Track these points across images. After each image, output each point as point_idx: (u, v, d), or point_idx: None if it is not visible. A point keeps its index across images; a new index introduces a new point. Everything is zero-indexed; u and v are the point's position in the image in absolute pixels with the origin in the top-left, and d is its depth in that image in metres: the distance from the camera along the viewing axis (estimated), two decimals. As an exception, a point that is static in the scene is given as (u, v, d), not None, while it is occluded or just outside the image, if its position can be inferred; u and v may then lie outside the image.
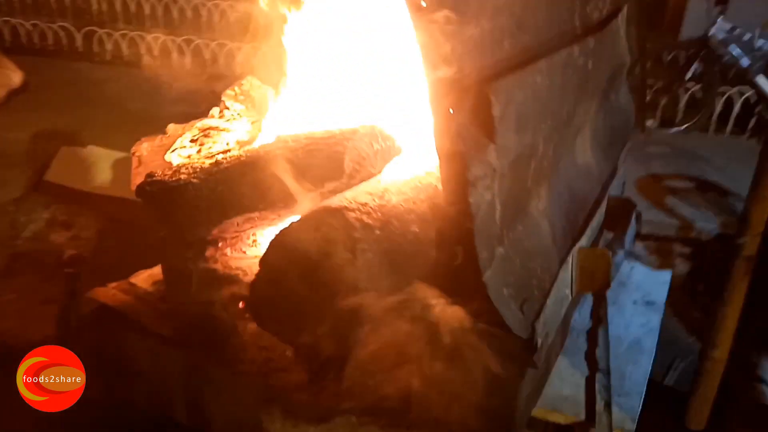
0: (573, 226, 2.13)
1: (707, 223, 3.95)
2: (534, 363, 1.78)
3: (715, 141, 5.06)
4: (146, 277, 2.39)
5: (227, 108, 2.60)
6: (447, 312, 1.69)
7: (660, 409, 2.50)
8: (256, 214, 1.94)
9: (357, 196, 1.71)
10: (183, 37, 6.02)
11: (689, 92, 5.04)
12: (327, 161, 1.89)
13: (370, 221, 1.63)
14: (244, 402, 1.97)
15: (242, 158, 1.99)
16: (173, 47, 6.04)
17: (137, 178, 2.57)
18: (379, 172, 1.97)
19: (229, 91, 2.58)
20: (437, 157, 1.62)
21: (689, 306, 3.24)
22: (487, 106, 1.61)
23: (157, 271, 2.37)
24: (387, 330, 1.64)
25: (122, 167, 3.89)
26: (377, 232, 1.64)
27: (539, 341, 1.80)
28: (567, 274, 2.01)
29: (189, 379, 2.10)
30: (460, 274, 1.70)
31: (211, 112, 2.58)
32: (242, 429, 1.98)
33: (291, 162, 1.89)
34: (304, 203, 1.85)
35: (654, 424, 2.33)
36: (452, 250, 1.66)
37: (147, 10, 6.68)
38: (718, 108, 5.04)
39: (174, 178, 2.07)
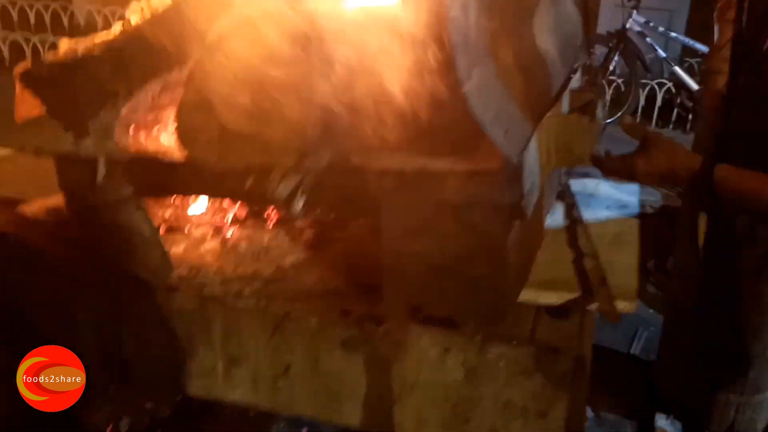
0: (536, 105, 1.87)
1: (650, 197, 3.91)
2: (522, 214, 1.49)
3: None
4: (38, 206, 1.98)
5: (133, 26, 2.20)
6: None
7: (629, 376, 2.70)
8: (176, 74, 1.59)
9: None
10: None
11: (613, 85, 5.04)
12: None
13: (322, 23, 1.32)
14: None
15: (155, 15, 1.66)
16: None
17: (23, 105, 2.15)
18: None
19: (134, 5, 2.20)
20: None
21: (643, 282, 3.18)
22: None
23: (51, 200, 1.95)
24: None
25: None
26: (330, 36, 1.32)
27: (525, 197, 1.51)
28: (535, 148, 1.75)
29: (103, 309, 1.71)
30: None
31: (113, 29, 2.17)
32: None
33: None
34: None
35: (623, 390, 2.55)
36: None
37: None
38: (642, 101, 5.05)
39: (69, 56, 1.72)
